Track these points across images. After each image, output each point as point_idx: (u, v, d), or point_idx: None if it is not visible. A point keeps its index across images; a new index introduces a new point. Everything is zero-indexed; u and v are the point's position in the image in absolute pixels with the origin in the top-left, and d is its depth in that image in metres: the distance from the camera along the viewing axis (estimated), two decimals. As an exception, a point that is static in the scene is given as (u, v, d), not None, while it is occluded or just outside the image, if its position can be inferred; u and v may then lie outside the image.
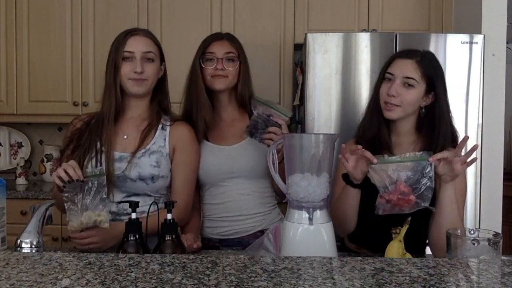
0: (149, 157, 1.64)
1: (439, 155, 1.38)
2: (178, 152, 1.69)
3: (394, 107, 1.55)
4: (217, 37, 1.80)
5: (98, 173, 1.48)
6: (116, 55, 1.63)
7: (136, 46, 1.63)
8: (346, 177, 1.50)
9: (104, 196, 1.46)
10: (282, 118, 1.67)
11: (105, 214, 1.45)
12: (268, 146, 1.59)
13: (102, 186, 1.46)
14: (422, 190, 1.36)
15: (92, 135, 1.65)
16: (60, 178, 1.45)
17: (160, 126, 1.70)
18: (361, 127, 1.66)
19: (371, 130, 1.61)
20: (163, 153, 1.67)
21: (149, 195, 1.65)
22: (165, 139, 1.68)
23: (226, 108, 1.81)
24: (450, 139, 1.56)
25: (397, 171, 1.37)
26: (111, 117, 1.64)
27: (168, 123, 1.71)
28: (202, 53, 1.76)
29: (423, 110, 1.59)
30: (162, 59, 1.72)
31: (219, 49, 1.75)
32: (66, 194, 1.45)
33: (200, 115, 1.75)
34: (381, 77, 1.62)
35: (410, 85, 1.54)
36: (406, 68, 1.55)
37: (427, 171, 1.36)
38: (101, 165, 1.61)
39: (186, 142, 1.71)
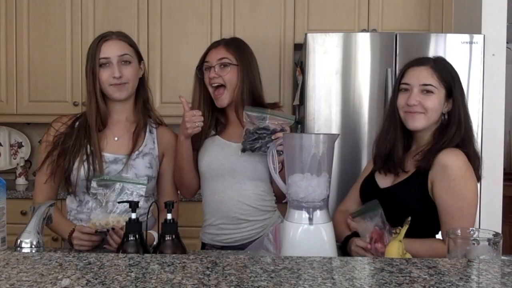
0: (143, 159, 1.68)
1: None
2: (168, 157, 1.76)
3: (417, 114, 1.49)
4: (214, 44, 1.78)
5: (139, 181, 1.55)
6: (93, 63, 1.63)
7: (111, 51, 1.63)
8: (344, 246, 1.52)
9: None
10: (286, 123, 1.64)
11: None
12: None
13: (139, 195, 1.53)
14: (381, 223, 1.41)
15: (80, 138, 1.64)
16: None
17: (148, 128, 1.73)
18: (376, 142, 1.62)
19: (386, 146, 1.57)
20: (154, 155, 1.72)
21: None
22: (154, 142, 1.73)
23: (232, 110, 1.78)
24: (455, 142, 1.51)
25: (366, 227, 1.45)
26: (93, 124, 1.64)
27: (154, 126, 1.76)
28: (202, 62, 1.75)
29: (446, 117, 1.53)
30: (140, 59, 1.72)
31: (213, 56, 1.73)
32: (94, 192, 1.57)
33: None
34: (396, 89, 1.56)
35: (429, 91, 1.49)
36: (422, 76, 1.50)
37: (376, 215, 1.42)
38: (93, 168, 1.60)
39: (174, 148, 1.75)
